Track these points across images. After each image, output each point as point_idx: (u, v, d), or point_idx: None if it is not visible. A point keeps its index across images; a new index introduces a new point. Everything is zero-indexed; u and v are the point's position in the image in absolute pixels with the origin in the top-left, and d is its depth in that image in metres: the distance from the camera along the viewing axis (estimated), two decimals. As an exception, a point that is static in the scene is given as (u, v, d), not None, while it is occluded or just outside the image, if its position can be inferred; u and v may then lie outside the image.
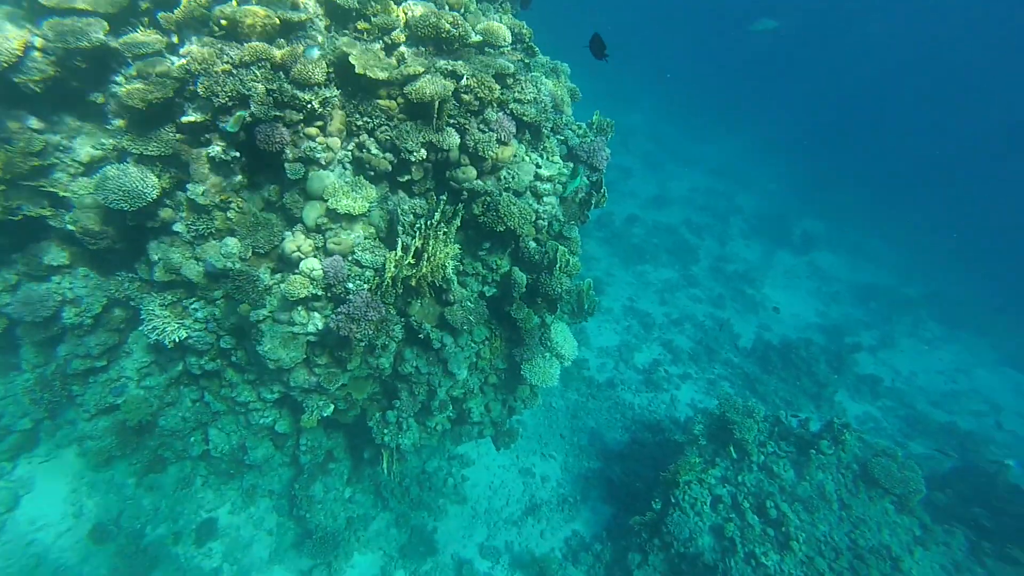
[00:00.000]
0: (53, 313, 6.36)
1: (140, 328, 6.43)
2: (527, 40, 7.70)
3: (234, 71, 5.41)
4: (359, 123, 6.10)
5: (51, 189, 5.89)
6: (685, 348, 16.47)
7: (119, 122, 5.70)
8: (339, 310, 5.94)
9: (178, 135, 5.69)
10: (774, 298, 21.20)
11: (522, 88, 6.83)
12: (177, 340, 6.40)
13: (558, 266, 7.26)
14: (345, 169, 6.29)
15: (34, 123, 5.74)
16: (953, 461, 12.36)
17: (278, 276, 6.31)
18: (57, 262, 6.37)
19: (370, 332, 6.02)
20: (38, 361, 6.87)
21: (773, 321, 19.50)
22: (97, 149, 5.95)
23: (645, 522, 9.04)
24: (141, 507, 7.66)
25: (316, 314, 6.30)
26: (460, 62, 6.36)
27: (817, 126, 48.35)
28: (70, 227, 5.96)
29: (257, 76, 5.43)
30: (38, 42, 5.32)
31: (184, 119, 5.50)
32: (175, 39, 5.75)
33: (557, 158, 7.61)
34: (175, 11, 5.63)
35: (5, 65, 5.17)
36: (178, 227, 6.03)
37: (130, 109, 5.39)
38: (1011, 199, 42.32)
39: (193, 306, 6.50)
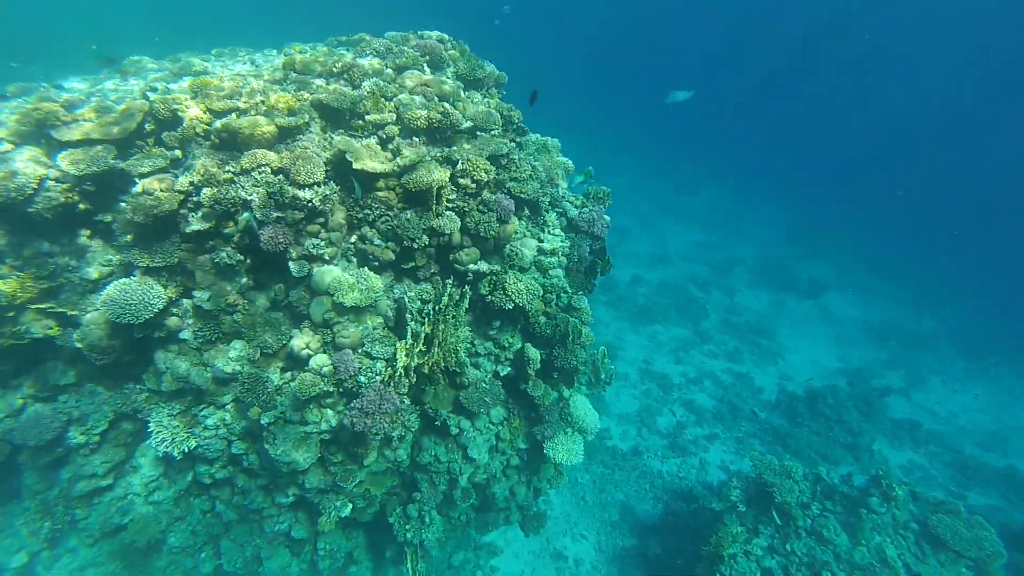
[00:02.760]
0: (57, 435, 6.18)
1: (148, 441, 6.23)
2: (516, 121, 7.97)
3: (235, 179, 5.55)
4: (360, 216, 6.19)
5: (60, 309, 5.90)
6: (708, 407, 15.93)
7: (127, 237, 5.80)
8: (352, 405, 5.76)
9: (183, 244, 5.76)
10: (791, 347, 20.77)
11: (517, 167, 6.98)
12: (187, 450, 6.18)
13: (571, 338, 7.11)
14: (349, 262, 6.32)
15: (46, 247, 5.84)
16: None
17: (288, 375, 6.18)
18: (64, 381, 6.27)
19: (386, 425, 5.80)
20: (40, 487, 6.59)
21: (794, 371, 18.98)
22: (105, 266, 6.01)
23: (693, 606, 8.35)
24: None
25: (329, 411, 6.11)
26: (454, 148, 6.54)
27: (798, 169, 49.62)
28: (77, 344, 5.91)
29: (258, 181, 5.57)
30: (52, 173, 5.53)
31: (189, 229, 5.59)
32: (179, 154, 5.96)
33: (558, 231, 7.67)
34: (178, 129, 5.88)
35: (20, 198, 5.35)
36: (185, 334, 5.98)
37: (137, 224, 5.49)
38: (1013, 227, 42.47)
39: (203, 413, 6.33)
